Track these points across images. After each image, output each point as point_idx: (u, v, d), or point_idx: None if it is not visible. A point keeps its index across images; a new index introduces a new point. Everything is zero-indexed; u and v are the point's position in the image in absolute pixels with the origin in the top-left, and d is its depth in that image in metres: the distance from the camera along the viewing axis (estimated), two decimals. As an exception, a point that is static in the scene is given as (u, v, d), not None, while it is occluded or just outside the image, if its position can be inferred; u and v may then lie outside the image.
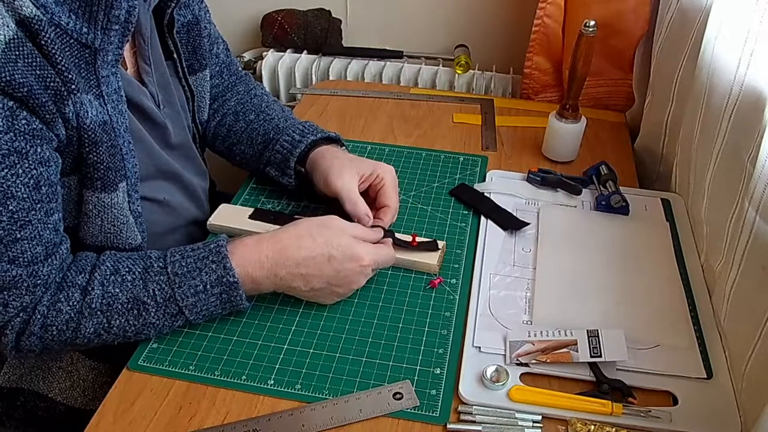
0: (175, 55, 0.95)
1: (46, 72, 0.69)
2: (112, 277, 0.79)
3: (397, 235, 0.94)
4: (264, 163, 1.04)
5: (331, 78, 1.57)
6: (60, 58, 0.70)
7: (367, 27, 1.62)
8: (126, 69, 0.86)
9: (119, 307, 0.78)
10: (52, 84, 0.70)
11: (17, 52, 0.67)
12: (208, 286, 0.80)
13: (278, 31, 1.58)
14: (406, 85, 1.54)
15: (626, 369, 0.80)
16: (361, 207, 0.94)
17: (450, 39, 1.59)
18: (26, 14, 0.67)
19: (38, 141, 0.71)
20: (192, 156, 1.01)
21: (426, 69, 1.54)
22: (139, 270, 0.80)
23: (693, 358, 0.82)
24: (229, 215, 1.01)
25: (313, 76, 1.58)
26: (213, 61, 1.08)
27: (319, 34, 1.57)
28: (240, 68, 1.18)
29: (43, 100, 0.69)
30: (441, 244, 0.96)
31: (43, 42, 0.69)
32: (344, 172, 0.95)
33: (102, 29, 0.74)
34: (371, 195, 0.98)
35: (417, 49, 1.59)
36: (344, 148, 1.06)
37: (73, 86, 0.72)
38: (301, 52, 1.60)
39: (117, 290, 0.78)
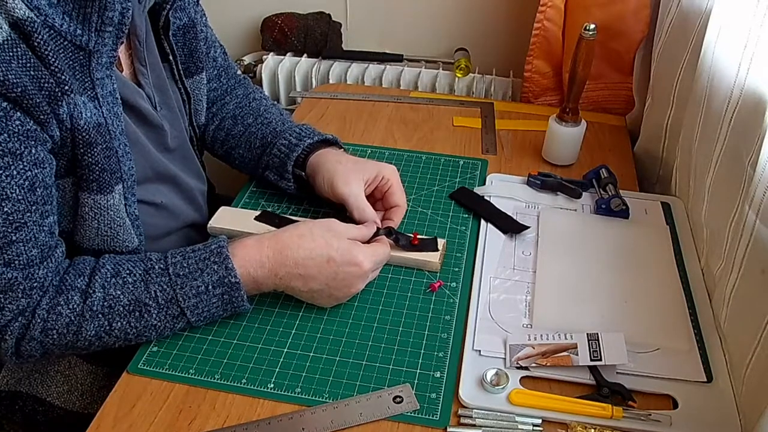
0: (171, 57, 0.95)
1: (40, 73, 0.69)
2: (113, 279, 0.79)
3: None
4: (263, 167, 1.05)
5: (331, 81, 1.57)
6: (53, 60, 0.70)
7: (367, 30, 1.63)
8: (122, 71, 0.86)
9: (121, 309, 0.78)
10: (45, 85, 0.70)
11: (11, 53, 0.67)
12: (210, 287, 0.80)
13: (278, 35, 1.59)
14: (406, 88, 1.54)
15: (626, 372, 0.80)
16: (369, 213, 0.94)
17: (450, 42, 1.59)
18: (19, 16, 0.67)
19: (33, 142, 0.71)
20: (190, 159, 1.01)
21: (426, 72, 1.54)
22: (140, 272, 0.80)
23: (693, 361, 0.82)
24: (229, 218, 1.01)
25: (313, 80, 1.58)
26: (210, 65, 1.09)
27: (319, 38, 1.57)
28: (238, 72, 1.18)
29: (37, 100, 0.69)
30: (441, 242, 0.96)
31: (36, 44, 0.69)
32: (350, 178, 0.95)
33: (96, 31, 0.74)
34: (377, 196, 0.99)
35: (417, 53, 1.59)
36: (343, 149, 1.06)
37: (67, 87, 0.72)
38: (301, 56, 1.60)
39: (118, 292, 0.78)
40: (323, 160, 0.99)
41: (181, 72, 0.97)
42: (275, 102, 1.18)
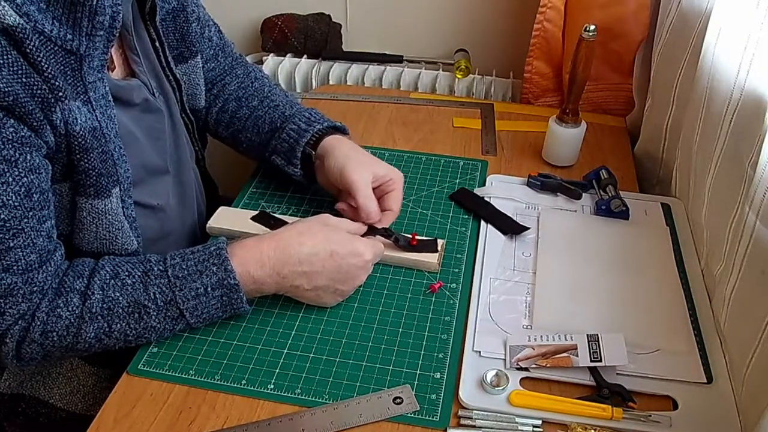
0: (157, 44, 0.93)
1: (32, 80, 0.69)
2: (112, 281, 0.79)
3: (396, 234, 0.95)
4: (270, 151, 1.04)
5: (331, 82, 1.57)
6: (46, 66, 0.70)
7: (367, 31, 1.63)
8: (114, 64, 0.86)
9: (120, 311, 0.78)
10: (38, 91, 0.70)
11: (1, 61, 0.67)
12: (209, 289, 0.80)
13: (278, 36, 1.59)
14: (406, 89, 1.54)
15: (626, 373, 0.80)
16: (374, 203, 0.94)
17: (450, 43, 1.59)
18: (9, 23, 0.67)
19: (27, 149, 0.70)
20: (183, 148, 0.99)
21: (426, 73, 1.54)
22: (139, 273, 0.80)
23: (693, 362, 0.82)
24: (228, 218, 1.01)
25: (313, 81, 1.58)
26: (206, 45, 1.07)
27: (319, 39, 1.57)
28: (235, 50, 1.16)
29: (30, 107, 0.69)
30: (440, 242, 0.97)
31: (28, 50, 0.68)
32: (361, 168, 0.96)
33: (87, 36, 0.74)
34: (376, 195, 0.99)
35: (417, 54, 1.59)
36: (350, 137, 1.05)
37: (60, 93, 0.72)
38: (301, 57, 1.60)
39: (117, 294, 0.78)
40: (337, 145, 0.99)
41: (169, 60, 0.95)
42: (277, 83, 1.16)
